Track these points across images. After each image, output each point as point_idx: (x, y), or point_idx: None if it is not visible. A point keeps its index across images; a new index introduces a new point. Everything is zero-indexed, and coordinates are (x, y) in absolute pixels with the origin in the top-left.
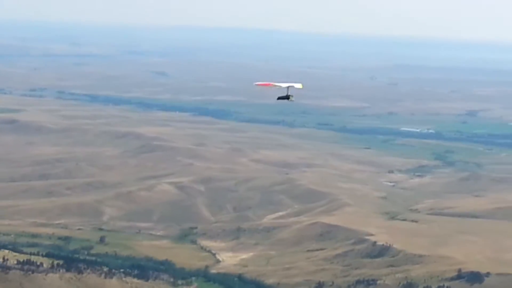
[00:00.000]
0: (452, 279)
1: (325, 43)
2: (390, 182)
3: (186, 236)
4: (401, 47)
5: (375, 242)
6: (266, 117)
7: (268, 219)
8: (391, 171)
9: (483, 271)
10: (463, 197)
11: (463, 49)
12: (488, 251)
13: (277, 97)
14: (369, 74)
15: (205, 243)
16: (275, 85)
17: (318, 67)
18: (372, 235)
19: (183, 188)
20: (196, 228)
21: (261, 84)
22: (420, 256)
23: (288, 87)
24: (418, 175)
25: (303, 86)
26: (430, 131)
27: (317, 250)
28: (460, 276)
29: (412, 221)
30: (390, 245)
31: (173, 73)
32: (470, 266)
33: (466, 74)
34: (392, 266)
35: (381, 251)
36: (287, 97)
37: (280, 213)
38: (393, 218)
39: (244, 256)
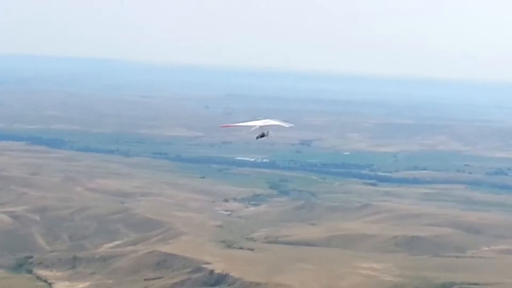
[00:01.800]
0: None
1: (158, 73)
2: (226, 211)
3: (21, 266)
4: (235, 77)
5: (212, 270)
6: (101, 146)
7: (105, 248)
8: (226, 200)
9: None
10: (298, 225)
11: (297, 79)
12: (323, 278)
13: (256, 137)
14: (203, 103)
15: (41, 272)
16: (243, 125)
17: (152, 96)
18: (209, 263)
19: (18, 217)
20: (31, 257)
21: (227, 126)
22: (258, 284)
23: (260, 126)
24: (254, 204)
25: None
26: (265, 160)
27: (155, 279)
28: None
29: (249, 249)
30: (227, 273)
31: (6, 102)
32: None
33: (300, 103)
34: None
35: (218, 279)
36: (263, 135)
37: (117, 242)
38: (229, 246)
39: (81, 285)
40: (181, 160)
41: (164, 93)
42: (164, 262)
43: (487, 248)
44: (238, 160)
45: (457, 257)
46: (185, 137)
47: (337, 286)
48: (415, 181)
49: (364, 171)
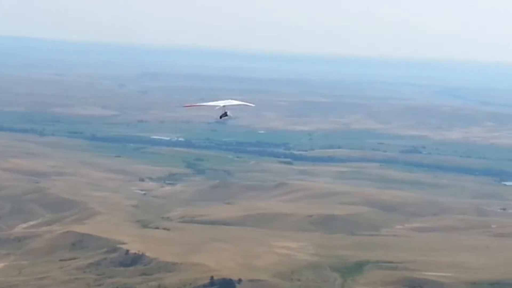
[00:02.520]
0: (204, 286)
1: (73, 51)
2: (142, 190)
3: None
4: (150, 55)
5: (127, 250)
6: (15, 125)
7: (19, 228)
8: (142, 180)
9: (235, 277)
10: (214, 204)
11: (212, 58)
12: (240, 258)
13: (219, 117)
14: (118, 82)
15: None
16: (205, 105)
17: (67, 75)
18: (124, 243)
19: None
20: None
21: (190, 105)
22: (173, 264)
23: (224, 106)
24: (169, 183)
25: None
26: (180, 139)
27: (70, 259)
28: (212, 283)
29: (164, 229)
30: (142, 253)
31: None
32: (222, 273)
33: (215, 81)
34: (145, 274)
35: (134, 260)
36: (225, 114)
37: (32, 223)
38: (145, 226)
39: None
40: (96, 139)
41: (79, 72)
42: (79, 242)
43: (401, 226)
44: (153, 139)
45: (372, 235)
46: (100, 116)
47: (253, 265)
48: (330, 160)
49: (279, 150)
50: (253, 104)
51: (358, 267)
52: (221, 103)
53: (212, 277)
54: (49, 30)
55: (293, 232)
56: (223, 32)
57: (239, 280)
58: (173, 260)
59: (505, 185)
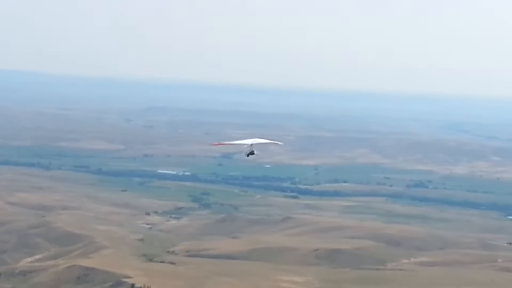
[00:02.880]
0: None
1: (79, 86)
2: (147, 224)
3: None
4: (156, 89)
5: (133, 284)
6: (21, 160)
7: (25, 262)
8: (148, 214)
9: None
10: (219, 238)
11: (219, 92)
12: None
13: (245, 155)
14: (124, 116)
15: None
16: (233, 144)
17: (72, 109)
18: (130, 277)
19: None
20: None
21: (217, 144)
22: None
23: (251, 145)
24: (175, 217)
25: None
26: (186, 173)
27: None
28: None
29: (170, 263)
30: (148, 287)
31: None
32: None
33: (221, 116)
34: None
35: None
36: (252, 153)
37: (37, 257)
38: (150, 260)
39: None
40: (102, 173)
41: (84, 106)
42: (84, 276)
43: (407, 261)
44: (159, 173)
45: (378, 269)
46: (106, 150)
47: None
48: (336, 194)
49: (285, 184)
50: (281, 142)
51: None
52: (249, 141)
53: None
54: (55, 64)
55: (299, 266)
56: (229, 66)
57: None
58: None
59: (510, 219)
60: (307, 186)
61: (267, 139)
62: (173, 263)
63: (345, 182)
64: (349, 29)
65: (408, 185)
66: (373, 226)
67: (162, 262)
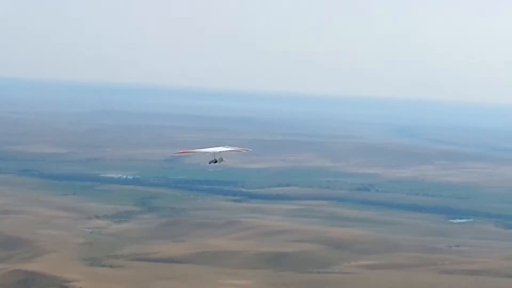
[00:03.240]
0: None
1: (27, 89)
2: (92, 228)
3: None
4: (106, 93)
5: None
6: None
7: None
8: (92, 217)
9: None
10: (165, 242)
11: (169, 96)
12: None
13: (209, 162)
14: (71, 119)
15: None
16: (198, 152)
17: (19, 112)
18: (72, 281)
19: None
20: None
21: (182, 152)
22: None
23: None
24: (120, 221)
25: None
26: (133, 177)
27: None
28: None
29: (113, 267)
30: None
31: None
32: None
33: (169, 120)
34: None
35: None
36: (215, 161)
37: None
38: (94, 264)
39: None
40: (47, 177)
41: (33, 110)
42: (27, 281)
43: (351, 264)
44: (105, 177)
45: (322, 273)
46: (52, 153)
47: None
48: (281, 198)
49: (230, 188)
50: (250, 149)
51: None
52: (216, 149)
53: None
54: (5, 68)
55: (243, 269)
56: (178, 70)
57: None
58: None
59: (453, 222)
60: (253, 190)
61: (236, 146)
62: (117, 267)
63: (290, 185)
64: (296, 31)
65: (353, 189)
66: (318, 229)
67: (106, 266)
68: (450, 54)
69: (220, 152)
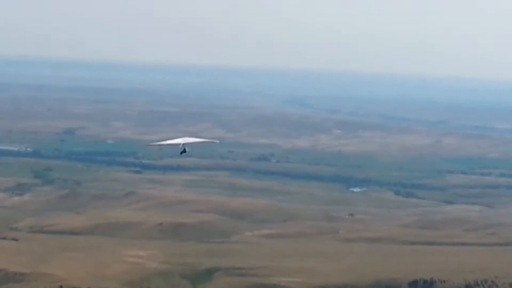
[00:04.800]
0: None
1: None
2: None
3: None
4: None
5: None
6: None
7: None
8: None
9: (84, 287)
10: (63, 214)
11: (61, 68)
12: (89, 267)
13: (180, 153)
14: None
15: None
16: (169, 144)
17: None
18: None
19: None
20: None
21: (151, 145)
22: (22, 274)
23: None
24: (17, 194)
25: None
26: (29, 149)
27: None
28: None
29: (12, 239)
30: None
31: None
32: (72, 283)
33: (64, 92)
34: None
35: None
36: (185, 151)
37: None
38: None
39: None
40: None
41: None
42: None
43: (250, 233)
44: (2, 149)
45: (222, 242)
46: None
47: (102, 274)
48: (180, 169)
49: (128, 159)
50: (217, 141)
51: (208, 274)
52: (180, 141)
53: (61, 287)
54: None
55: (143, 240)
56: (70, 42)
57: None
58: (21, 270)
59: (352, 191)
60: (151, 161)
61: (202, 138)
62: (16, 240)
63: (189, 156)
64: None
65: (251, 159)
66: (217, 200)
67: (5, 238)
68: (345, 23)
69: (186, 143)
